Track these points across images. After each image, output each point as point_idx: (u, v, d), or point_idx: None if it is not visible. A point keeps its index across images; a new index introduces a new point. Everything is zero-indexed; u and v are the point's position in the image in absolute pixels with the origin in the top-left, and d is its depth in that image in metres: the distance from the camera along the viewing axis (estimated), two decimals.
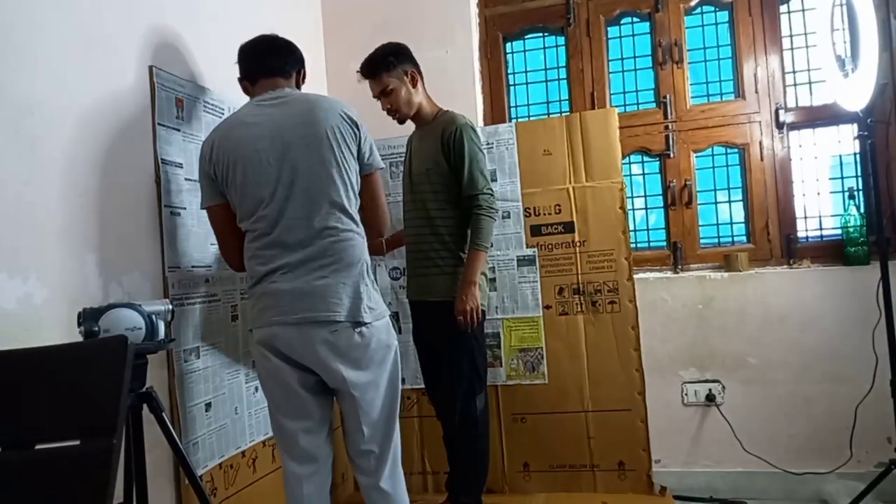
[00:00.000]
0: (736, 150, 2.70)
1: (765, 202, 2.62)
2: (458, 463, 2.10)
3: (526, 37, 2.92)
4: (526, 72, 2.92)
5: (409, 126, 2.64)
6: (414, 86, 2.13)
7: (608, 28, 2.81)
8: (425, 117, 2.18)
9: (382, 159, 2.64)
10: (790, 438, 2.47)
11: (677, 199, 2.69)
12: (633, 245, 2.53)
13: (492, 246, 2.20)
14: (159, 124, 1.66)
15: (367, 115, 2.70)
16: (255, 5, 2.26)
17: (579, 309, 2.45)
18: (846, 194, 2.54)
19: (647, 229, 2.78)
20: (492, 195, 2.05)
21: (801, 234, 2.62)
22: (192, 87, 1.81)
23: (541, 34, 2.91)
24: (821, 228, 2.64)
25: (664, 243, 2.73)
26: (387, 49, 2.12)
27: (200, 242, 1.79)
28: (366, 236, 1.62)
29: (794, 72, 2.67)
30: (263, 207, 1.50)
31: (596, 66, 2.80)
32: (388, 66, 2.08)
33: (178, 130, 1.74)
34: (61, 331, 1.25)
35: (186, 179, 1.75)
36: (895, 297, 2.09)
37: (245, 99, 1.66)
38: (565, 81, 2.86)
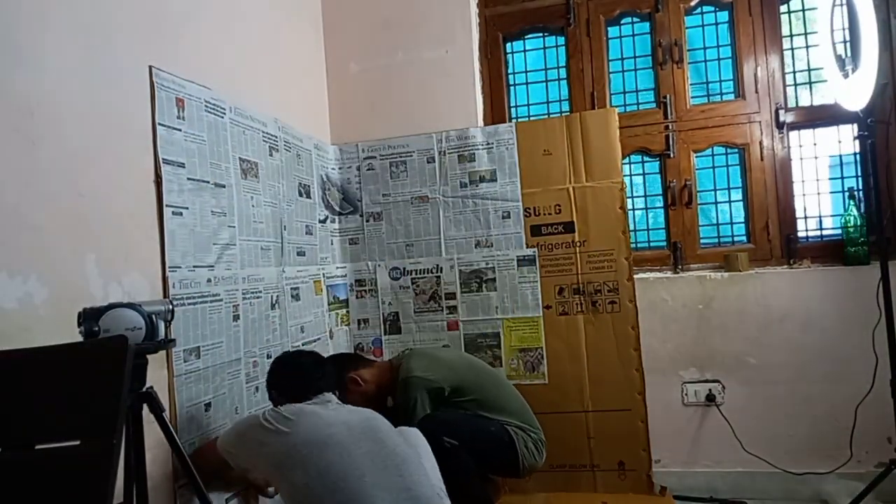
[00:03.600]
0: (736, 150, 2.70)
1: (765, 202, 2.62)
2: None
3: (526, 37, 2.92)
4: (526, 72, 2.92)
5: (410, 127, 2.66)
6: (364, 383, 2.11)
7: (608, 28, 2.81)
8: (391, 387, 2.16)
9: (381, 159, 2.69)
10: (790, 438, 2.47)
11: (677, 199, 2.69)
12: (633, 245, 2.53)
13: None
14: (159, 124, 1.66)
15: (366, 115, 2.74)
16: (256, 5, 2.26)
17: (579, 309, 2.45)
18: (846, 194, 2.54)
19: (647, 229, 2.78)
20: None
21: (801, 233, 2.62)
22: (192, 87, 1.81)
23: (541, 34, 2.91)
24: (821, 228, 2.64)
25: (664, 243, 2.73)
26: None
27: (203, 242, 1.78)
28: None
29: (794, 72, 2.67)
30: None
31: (596, 66, 2.80)
32: (339, 388, 2.02)
33: (179, 130, 1.74)
34: (61, 331, 1.25)
35: (189, 179, 1.75)
36: (895, 297, 2.09)
37: None
38: (565, 81, 2.86)
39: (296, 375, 1.74)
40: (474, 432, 2.03)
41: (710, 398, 2.54)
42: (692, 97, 2.73)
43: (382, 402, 2.12)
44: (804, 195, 2.64)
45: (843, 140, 2.61)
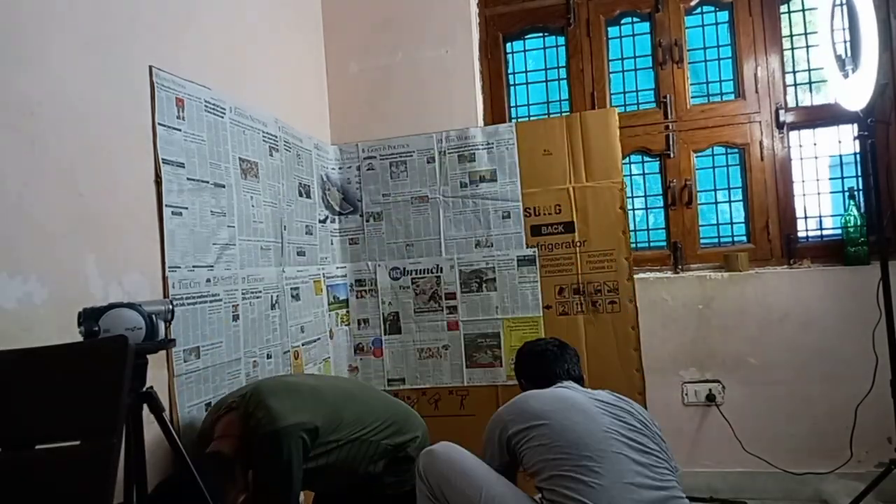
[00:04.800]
0: (736, 150, 2.70)
1: (765, 202, 2.62)
2: None
3: (526, 37, 2.92)
4: (526, 72, 2.92)
5: (410, 127, 2.65)
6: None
7: (608, 28, 2.81)
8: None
9: (381, 159, 2.69)
10: (790, 438, 2.47)
11: (677, 199, 2.69)
12: (633, 245, 2.53)
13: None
14: (159, 124, 1.66)
15: (366, 115, 2.74)
16: (256, 5, 2.26)
17: (579, 309, 2.45)
18: (846, 194, 2.54)
19: (647, 229, 2.78)
20: None
21: (801, 233, 2.62)
22: (192, 87, 1.81)
23: (541, 34, 2.91)
24: (821, 228, 2.64)
25: (664, 243, 2.74)
26: None
27: (202, 242, 1.78)
28: None
29: (794, 72, 2.67)
30: None
31: (596, 66, 2.80)
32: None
33: (179, 130, 1.74)
34: (61, 331, 1.25)
35: (189, 179, 1.75)
36: (895, 297, 2.09)
37: None
38: (565, 81, 2.86)
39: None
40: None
41: (710, 398, 2.54)
42: (692, 97, 2.73)
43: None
44: (804, 195, 2.64)
45: (843, 140, 2.61)
